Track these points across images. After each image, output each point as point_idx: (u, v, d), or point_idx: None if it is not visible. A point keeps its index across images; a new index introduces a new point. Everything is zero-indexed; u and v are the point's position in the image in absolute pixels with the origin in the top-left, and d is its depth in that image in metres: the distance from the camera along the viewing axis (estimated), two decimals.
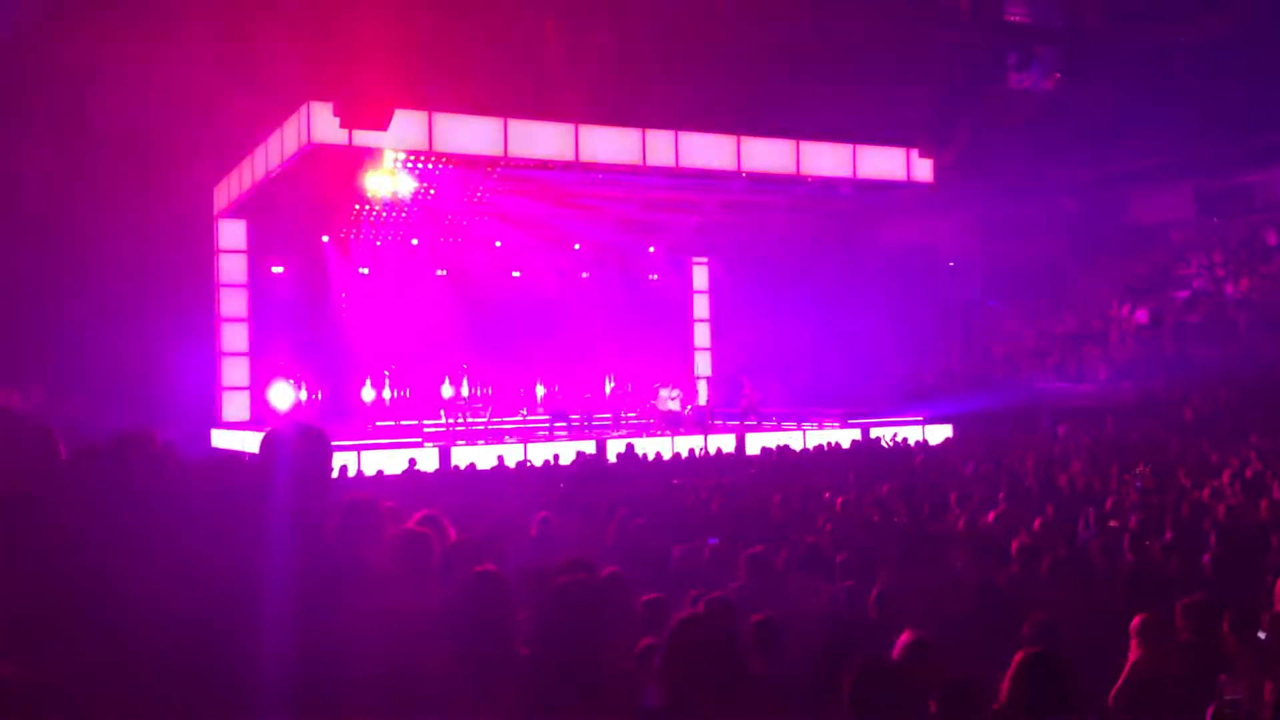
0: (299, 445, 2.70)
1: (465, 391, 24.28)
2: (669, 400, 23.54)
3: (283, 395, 22.97)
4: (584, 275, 26.73)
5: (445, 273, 24.93)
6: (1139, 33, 22.63)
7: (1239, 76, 25.11)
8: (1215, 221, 28.16)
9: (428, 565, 3.76)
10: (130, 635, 2.84)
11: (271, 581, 2.56)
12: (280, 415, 22.68)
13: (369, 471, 16.81)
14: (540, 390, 24.57)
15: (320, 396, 23.96)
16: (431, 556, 3.77)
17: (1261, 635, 5.60)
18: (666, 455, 19.46)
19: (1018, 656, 3.60)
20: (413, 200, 20.58)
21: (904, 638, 3.72)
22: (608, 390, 26.02)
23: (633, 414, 24.73)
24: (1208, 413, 20.87)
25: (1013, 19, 19.21)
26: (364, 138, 16.81)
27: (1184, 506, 9.85)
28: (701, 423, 23.43)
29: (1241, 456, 14.56)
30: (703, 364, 29.34)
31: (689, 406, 24.35)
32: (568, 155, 18.98)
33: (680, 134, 19.83)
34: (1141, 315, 26.39)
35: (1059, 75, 19.03)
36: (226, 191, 22.68)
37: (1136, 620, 5.55)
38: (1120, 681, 5.33)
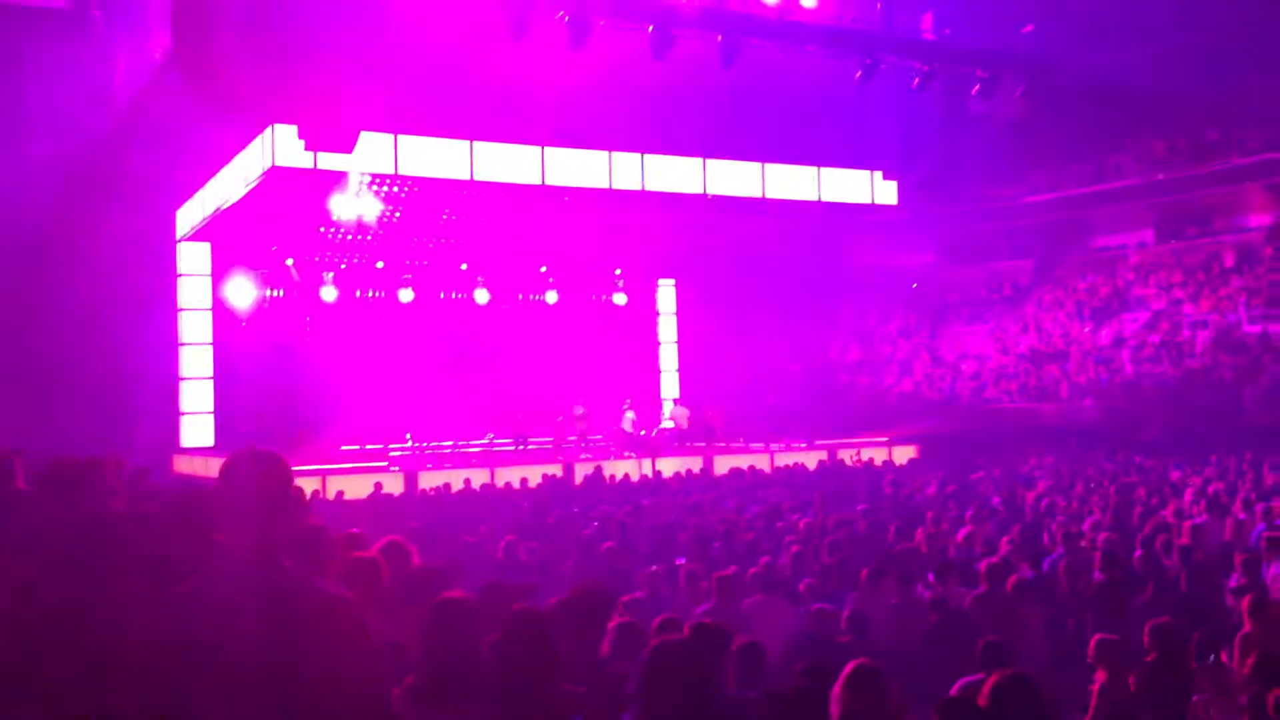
0: (258, 471, 2.64)
1: (431, 414, 24.08)
2: (635, 422, 23.51)
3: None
4: (550, 297, 26.66)
5: (411, 295, 24.77)
6: (1100, 59, 22.99)
7: (1197, 103, 25.60)
8: (1174, 244, 28.60)
9: (377, 591, 3.73)
10: (91, 668, 2.77)
11: (234, 610, 2.51)
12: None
13: (335, 496, 16.62)
14: (506, 412, 24.39)
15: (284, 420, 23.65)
16: (380, 583, 3.74)
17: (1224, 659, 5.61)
18: (635, 477, 19.38)
19: (991, 679, 3.56)
20: (378, 223, 20.46)
21: (849, 668, 3.67)
22: (575, 412, 25.90)
23: (599, 436, 24.63)
24: (1168, 432, 21.10)
25: (974, 44, 19.47)
26: (329, 160, 16.70)
27: (1148, 525, 9.92)
28: (666, 444, 23.40)
29: (1203, 475, 14.72)
30: (669, 386, 29.32)
31: (656, 429, 24.30)
32: (534, 178, 18.98)
33: (646, 157, 19.89)
34: (1103, 336, 26.72)
35: (1021, 100, 19.28)
36: (190, 215, 22.47)
37: (1094, 643, 5.55)
38: (1091, 710, 5.32)
